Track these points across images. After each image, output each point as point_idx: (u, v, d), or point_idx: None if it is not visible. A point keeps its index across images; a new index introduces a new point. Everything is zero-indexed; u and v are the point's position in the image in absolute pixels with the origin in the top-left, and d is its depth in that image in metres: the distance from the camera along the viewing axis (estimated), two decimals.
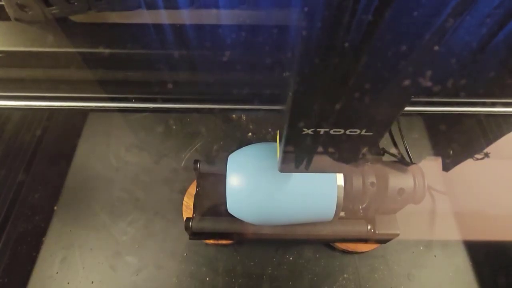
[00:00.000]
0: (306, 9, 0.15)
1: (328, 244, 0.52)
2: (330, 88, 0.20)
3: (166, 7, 0.27)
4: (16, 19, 0.27)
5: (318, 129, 0.24)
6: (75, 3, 0.26)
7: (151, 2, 0.27)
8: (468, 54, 0.27)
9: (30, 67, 0.29)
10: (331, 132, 0.24)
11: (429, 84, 0.19)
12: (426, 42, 0.16)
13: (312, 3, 0.15)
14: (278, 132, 0.32)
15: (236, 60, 0.27)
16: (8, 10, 0.27)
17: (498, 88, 0.29)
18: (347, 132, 0.24)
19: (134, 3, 0.27)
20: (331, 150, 0.27)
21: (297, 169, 0.31)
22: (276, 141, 0.37)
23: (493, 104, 0.31)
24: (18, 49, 0.28)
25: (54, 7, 0.26)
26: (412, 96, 0.20)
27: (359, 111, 0.22)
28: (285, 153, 0.28)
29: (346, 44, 0.17)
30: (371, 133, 0.24)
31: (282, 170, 0.32)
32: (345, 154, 0.28)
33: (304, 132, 0.24)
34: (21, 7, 0.26)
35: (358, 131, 0.24)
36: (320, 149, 0.27)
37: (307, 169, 0.31)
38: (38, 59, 0.29)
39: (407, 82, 0.19)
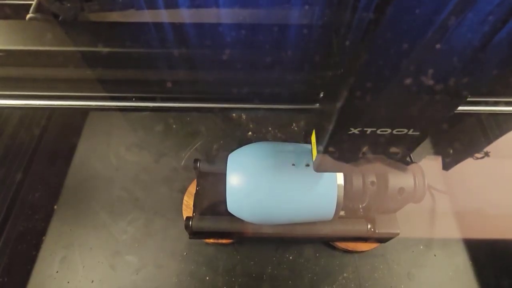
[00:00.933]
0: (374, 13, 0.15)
1: (328, 243, 0.52)
2: (385, 89, 0.20)
3: (165, 7, 0.27)
4: (54, 14, 0.28)
5: (365, 129, 0.23)
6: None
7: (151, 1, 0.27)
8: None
9: (29, 66, 0.29)
10: (378, 131, 0.24)
11: (484, 84, 0.19)
12: (478, 40, 0.16)
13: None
14: (313, 131, 0.31)
15: (236, 59, 0.27)
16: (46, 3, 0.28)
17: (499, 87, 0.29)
18: (394, 131, 0.24)
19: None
20: (374, 148, 0.27)
21: (334, 168, 0.30)
22: (278, 141, 0.36)
23: (494, 103, 0.31)
24: (17, 47, 0.28)
25: (93, 2, 0.27)
26: (468, 96, 0.20)
27: (411, 111, 0.22)
28: (325, 153, 0.28)
29: (406, 46, 0.17)
30: (418, 133, 0.24)
31: (318, 170, 0.31)
32: (387, 154, 0.27)
33: (350, 132, 0.24)
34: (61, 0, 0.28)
35: (406, 130, 0.24)
36: (364, 148, 0.26)
37: (343, 169, 0.30)
38: (37, 57, 0.29)
39: (464, 81, 0.19)
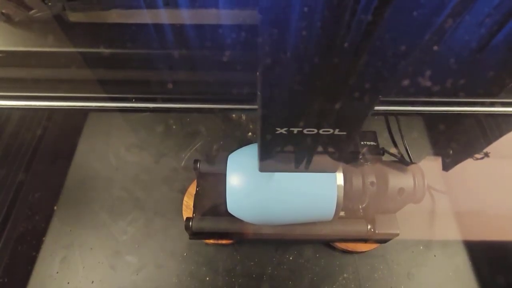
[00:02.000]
0: (264, 9, 0.15)
1: (328, 243, 0.52)
2: (298, 89, 0.20)
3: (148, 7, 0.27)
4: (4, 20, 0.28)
5: (291, 129, 0.24)
6: (50, 4, 0.27)
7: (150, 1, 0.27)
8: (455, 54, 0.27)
9: (29, 67, 0.29)
10: (305, 131, 0.24)
11: (400, 83, 0.19)
12: (391, 43, 0.16)
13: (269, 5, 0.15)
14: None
15: (236, 60, 0.27)
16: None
17: (497, 88, 0.29)
18: (321, 131, 0.24)
19: (108, 4, 0.27)
20: (307, 149, 0.27)
21: (276, 168, 0.31)
22: None
23: (492, 104, 0.31)
24: (17, 49, 0.28)
25: (34, 10, 0.27)
26: (380, 96, 0.20)
27: (328, 111, 0.22)
28: (262, 152, 0.28)
29: (309, 45, 0.16)
30: (344, 133, 0.24)
31: (262, 169, 0.32)
32: (322, 153, 0.28)
33: (277, 132, 0.24)
34: (6, 15, 0.28)
35: (331, 130, 0.24)
36: (296, 148, 0.27)
37: (286, 169, 0.31)
38: (37, 58, 0.29)
39: (373, 82, 0.19)
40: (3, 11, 0.28)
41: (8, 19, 0.28)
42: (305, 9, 0.15)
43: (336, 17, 0.15)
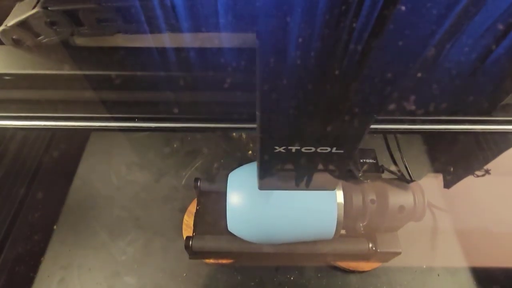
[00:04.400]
0: (261, 32, 0.16)
1: (329, 263, 0.52)
2: (294, 111, 0.20)
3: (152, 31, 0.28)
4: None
5: (289, 147, 0.24)
6: (58, 30, 0.28)
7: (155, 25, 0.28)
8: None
9: (36, 89, 0.30)
10: (303, 150, 0.24)
11: (390, 105, 0.20)
12: (382, 67, 0.17)
13: (267, 30, 0.15)
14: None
15: (237, 81, 0.28)
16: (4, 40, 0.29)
17: (490, 106, 0.30)
18: (318, 150, 0.24)
19: (112, 29, 0.29)
20: (305, 167, 0.27)
21: (275, 186, 0.31)
22: None
23: (488, 122, 0.32)
24: (25, 71, 0.29)
25: (42, 36, 0.29)
26: (375, 116, 0.21)
27: (325, 131, 0.22)
28: (261, 170, 0.28)
29: (304, 72, 0.17)
30: (342, 151, 0.25)
31: (261, 187, 0.32)
32: (320, 171, 0.28)
33: (276, 150, 0.25)
34: (16, 41, 0.29)
35: (329, 149, 0.24)
36: (294, 166, 0.27)
37: (285, 187, 0.31)
38: (44, 81, 0.30)
39: (367, 104, 0.20)
40: (14, 37, 0.29)
41: (18, 44, 0.29)
42: (300, 39, 0.15)
43: (329, 47, 0.16)
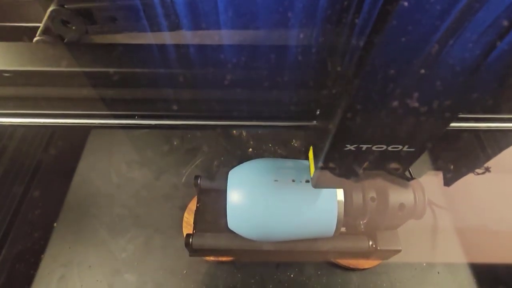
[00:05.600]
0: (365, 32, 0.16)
1: (329, 260, 0.52)
2: (376, 110, 0.20)
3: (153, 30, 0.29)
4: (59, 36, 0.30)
5: (360, 145, 0.24)
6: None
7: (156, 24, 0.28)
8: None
9: (35, 86, 0.30)
10: (374, 148, 0.24)
11: (475, 100, 0.20)
12: (462, 63, 0.17)
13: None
14: (311, 148, 0.32)
15: (238, 79, 0.28)
16: (51, 26, 0.29)
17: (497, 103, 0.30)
18: (389, 148, 0.24)
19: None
20: (371, 164, 0.27)
21: (332, 184, 0.31)
22: (278, 157, 0.37)
23: (489, 120, 0.32)
24: (24, 68, 0.29)
25: (96, 25, 0.29)
26: (459, 113, 0.21)
27: (403, 129, 0.22)
28: (322, 169, 0.28)
29: (394, 71, 0.18)
30: (413, 149, 0.25)
31: (316, 186, 0.31)
32: (386, 169, 0.28)
33: (346, 148, 0.24)
34: (65, 22, 0.30)
35: (401, 147, 0.24)
36: (361, 164, 0.27)
37: (341, 185, 0.31)
38: (43, 78, 0.29)
39: (450, 101, 0.20)
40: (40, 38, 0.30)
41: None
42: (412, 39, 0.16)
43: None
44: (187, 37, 0.29)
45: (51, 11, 0.28)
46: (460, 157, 0.61)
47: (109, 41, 0.30)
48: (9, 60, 0.29)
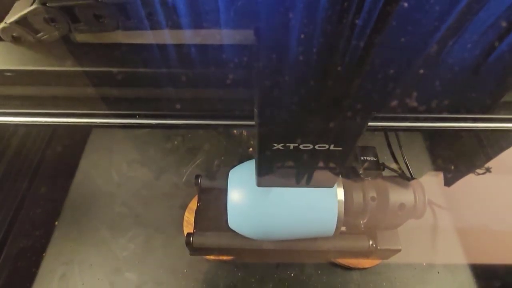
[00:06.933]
0: (262, 28, 0.16)
1: (329, 260, 0.52)
2: (293, 106, 0.20)
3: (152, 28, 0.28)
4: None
5: (287, 144, 0.24)
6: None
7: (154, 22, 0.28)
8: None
9: (36, 85, 0.30)
10: (301, 147, 0.25)
11: (390, 101, 0.20)
12: (379, 61, 0.17)
13: (268, 24, 0.15)
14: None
15: (237, 78, 0.28)
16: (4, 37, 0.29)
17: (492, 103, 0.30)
18: (316, 147, 0.24)
19: (111, 25, 0.29)
20: (303, 164, 0.27)
21: (273, 183, 0.31)
22: None
23: (489, 120, 0.32)
24: (26, 68, 0.29)
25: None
26: (374, 113, 0.21)
27: (323, 128, 0.22)
28: (259, 167, 0.28)
29: (305, 69, 0.17)
30: (340, 148, 0.25)
31: (259, 184, 0.32)
32: (319, 168, 0.28)
33: (274, 147, 0.25)
34: (16, 38, 0.29)
35: (327, 146, 0.24)
36: (293, 163, 0.27)
37: (283, 184, 0.31)
38: (44, 77, 0.30)
39: (365, 100, 0.20)
40: (14, 34, 0.29)
41: (18, 41, 0.29)
42: (301, 35, 0.15)
43: (330, 43, 0.16)
44: (183, 35, 0.29)
45: (34, 9, 0.27)
46: (460, 157, 0.61)
47: (111, 41, 0.30)
48: (11, 60, 0.29)
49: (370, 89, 0.19)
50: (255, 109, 0.21)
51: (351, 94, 0.19)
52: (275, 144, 0.24)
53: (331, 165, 0.28)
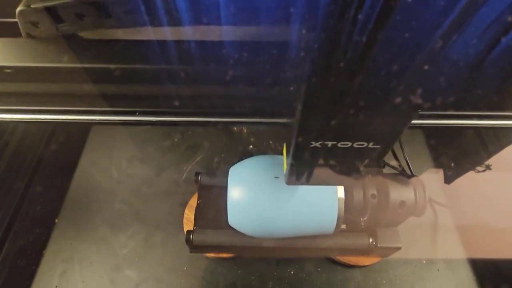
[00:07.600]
0: (317, 28, 0.16)
1: (329, 258, 0.52)
2: (338, 103, 0.20)
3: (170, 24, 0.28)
4: (29, 35, 0.28)
5: (326, 142, 0.24)
6: (86, 20, 0.28)
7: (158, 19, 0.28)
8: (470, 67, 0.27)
9: (36, 82, 0.30)
10: (339, 145, 0.24)
11: (435, 98, 0.20)
12: (422, 60, 0.17)
13: (317, 23, 0.15)
14: (284, 145, 0.32)
15: (239, 76, 0.28)
16: (21, 26, 0.28)
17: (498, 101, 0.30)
18: (355, 145, 0.24)
19: (141, 21, 0.28)
20: (338, 162, 0.27)
21: (304, 181, 0.31)
22: (279, 154, 0.37)
23: (493, 117, 0.32)
24: (27, 64, 0.29)
25: (64, 24, 0.28)
26: (419, 111, 0.21)
27: (366, 125, 0.22)
28: (292, 165, 0.28)
29: (348, 64, 0.17)
30: (378, 146, 0.25)
31: (289, 182, 0.32)
32: (351, 166, 0.28)
33: (311, 145, 0.24)
34: (34, 23, 0.28)
35: (366, 144, 0.24)
36: (327, 161, 0.27)
37: (314, 182, 0.31)
38: (44, 74, 0.29)
39: (411, 98, 0.19)
40: (32, 19, 0.28)
41: (32, 28, 0.28)
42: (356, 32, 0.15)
43: (381, 42, 0.16)
44: (183, 32, 0.29)
45: (19, 12, 0.26)
46: (461, 154, 0.61)
47: (108, 37, 0.30)
48: (10, 56, 0.29)
49: (415, 87, 0.19)
50: (298, 107, 0.21)
51: (399, 92, 0.19)
52: (313, 142, 0.24)
53: (366, 162, 0.28)
